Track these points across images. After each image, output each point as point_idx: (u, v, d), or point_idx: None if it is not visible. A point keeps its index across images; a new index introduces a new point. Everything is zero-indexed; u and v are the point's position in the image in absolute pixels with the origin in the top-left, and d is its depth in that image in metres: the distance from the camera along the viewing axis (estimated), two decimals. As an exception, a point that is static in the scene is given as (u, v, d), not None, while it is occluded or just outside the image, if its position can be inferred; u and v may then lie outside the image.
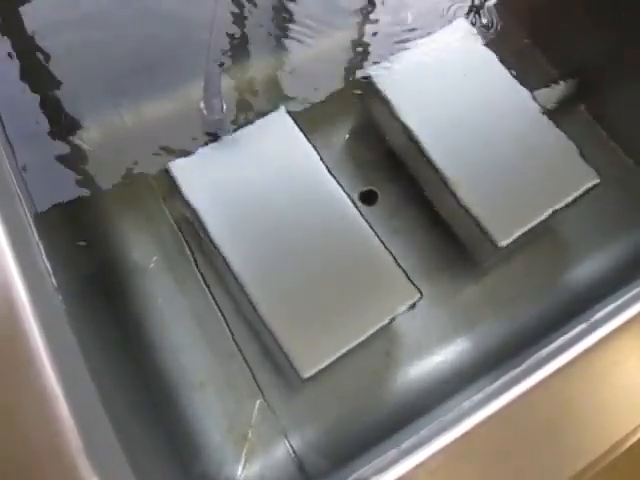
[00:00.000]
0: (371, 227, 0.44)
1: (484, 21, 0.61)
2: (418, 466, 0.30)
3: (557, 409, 0.32)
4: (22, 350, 0.27)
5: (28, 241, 0.32)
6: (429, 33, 0.51)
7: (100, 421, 0.27)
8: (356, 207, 0.45)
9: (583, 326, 0.34)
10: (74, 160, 0.50)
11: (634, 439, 0.31)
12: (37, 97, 0.51)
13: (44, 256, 0.32)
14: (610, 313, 0.35)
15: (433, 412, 0.40)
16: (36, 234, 0.33)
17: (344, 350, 0.41)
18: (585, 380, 0.33)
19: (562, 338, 0.34)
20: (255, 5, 0.58)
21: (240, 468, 0.42)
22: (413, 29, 0.59)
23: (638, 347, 0.34)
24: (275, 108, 0.48)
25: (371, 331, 0.41)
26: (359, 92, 0.51)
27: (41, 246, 0.33)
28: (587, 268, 0.52)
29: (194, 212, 0.44)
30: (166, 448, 0.41)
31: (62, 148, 0.50)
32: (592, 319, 0.35)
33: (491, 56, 0.51)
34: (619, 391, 0.33)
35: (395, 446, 0.31)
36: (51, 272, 0.32)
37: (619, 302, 0.36)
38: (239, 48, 0.57)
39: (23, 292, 0.28)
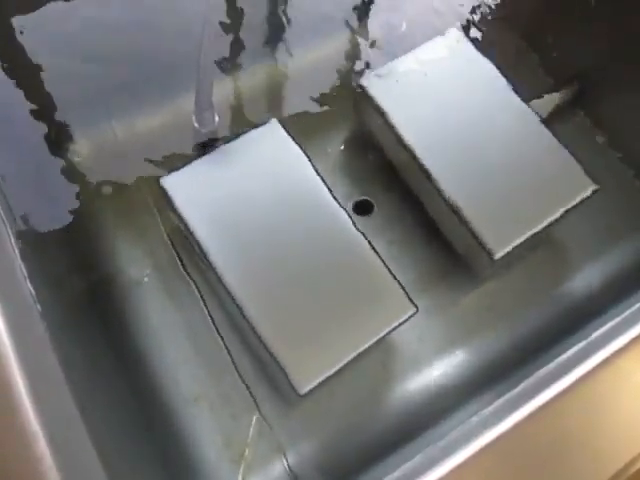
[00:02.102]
0: (366, 238, 0.44)
1: (478, 29, 0.61)
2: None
3: (556, 436, 0.31)
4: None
5: (10, 262, 0.31)
6: (423, 42, 0.51)
7: (85, 455, 0.26)
8: (351, 219, 0.44)
9: (583, 344, 0.34)
10: (63, 174, 0.49)
11: (638, 465, 0.30)
12: (26, 109, 0.50)
13: (27, 279, 0.31)
14: (611, 330, 0.34)
15: (430, 429, 0.39)
16: (19, 255, 0.33)
17: (340, 365, 0.40)
18: (586, 404, 0.32)
19: (562, 358, 0.33)
20: (247, 16, 0.58)
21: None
22: (406, 38, 0.59)
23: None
24: (268, 119, 0.47)
25: (367, 345, 0.41)
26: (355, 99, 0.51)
27: (24, 268, 0.32)
28: (587, 277, 0.51)
29: (187, 226, 0.43)
30: (160, 471, 0.41)
31: (51, 161, 0.49)
32: (593, 336, 0.34)
33: (486, 64, 0.51)
34: (622, 415, 0.32)
35: (390, 469, 0.30)
36: (35, 296, 0.31)
37: (619, 319, 0.35)
38: (231, 59, 0.56)
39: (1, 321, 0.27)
